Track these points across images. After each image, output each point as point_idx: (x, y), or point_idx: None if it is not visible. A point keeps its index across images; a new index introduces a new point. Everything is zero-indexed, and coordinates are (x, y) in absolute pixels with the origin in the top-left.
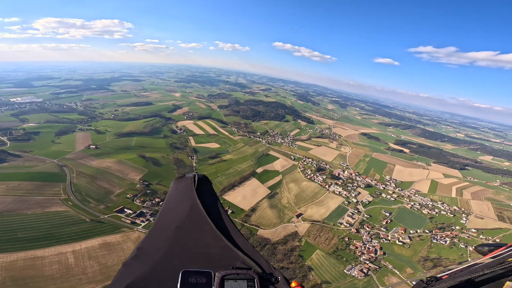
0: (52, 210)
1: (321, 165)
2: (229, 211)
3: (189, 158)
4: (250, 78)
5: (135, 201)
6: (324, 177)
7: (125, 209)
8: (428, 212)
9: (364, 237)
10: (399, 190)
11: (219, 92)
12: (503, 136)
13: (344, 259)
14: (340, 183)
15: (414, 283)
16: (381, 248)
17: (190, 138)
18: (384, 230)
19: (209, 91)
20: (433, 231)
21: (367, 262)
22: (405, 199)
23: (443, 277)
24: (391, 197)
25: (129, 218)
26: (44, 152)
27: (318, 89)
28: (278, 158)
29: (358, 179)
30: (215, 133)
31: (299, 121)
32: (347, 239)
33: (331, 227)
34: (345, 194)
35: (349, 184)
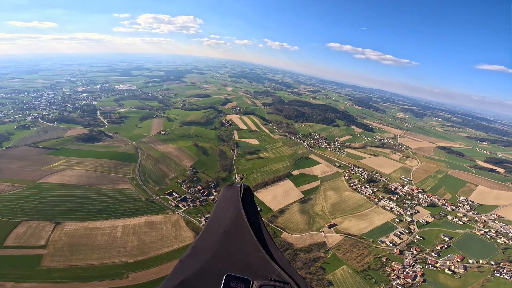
0: (120, 187)
1: (374, 176)
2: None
3: (231, 151)
4: (297, 78)
5: (183, 186)
6: (375, 189)
7: (174, 193)
8: (505, 242)
9: (406, 260)
10: (473, 213)
11: (264, 89)
12: None
13: (373, 280)
14: (395, 199)
15: None
16: (422, 275)
17: (235, 132)
18: (435, 255)
19: (255, 88)
20: (501, 263)
21: (400, 287)
22: (478, 224)
23: None
24: (460, 220)
25: (174, 202)
26: (128, 134)
27: (385, 95)
28: (319, 163)
29: (420, 196)
30: (257, 129)
31: (353, 127)
32: (384, 260)
33: (369, 244)
34: (398, 211)
35: (407, 201)
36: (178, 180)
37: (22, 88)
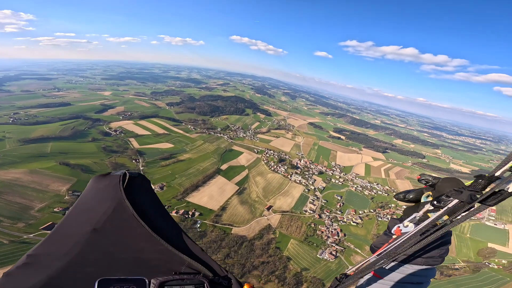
0: None
1: (282, 156)
2: (196, 214)
3: (133, 161)
4: (206, 73)
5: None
6: (286, 167)
7: (55, 225)
8: (369, 193)
9: (326, 221)
10: (343, 174)
11: (167, 89)
12: (406, 121)
13: (315, 244)
14: (299, 172)
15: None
16: (341, 230)
17: (131, 139)
18: (339, 213)
19: (152, 88)
20: (376, 210)
21: (334, 245)
22: (349, 182)
23: (351, 273)
24: (339, 181)
25: None
26: None
27: (272, 82)
28: (242, 153)
29: (312, 166)
30: (166, 132)
31: (258, 114)
32: (313, 225)
33: (299, 215)
34: (305, 183)
35: (306, 173)
36: (55, 209)
37: None
